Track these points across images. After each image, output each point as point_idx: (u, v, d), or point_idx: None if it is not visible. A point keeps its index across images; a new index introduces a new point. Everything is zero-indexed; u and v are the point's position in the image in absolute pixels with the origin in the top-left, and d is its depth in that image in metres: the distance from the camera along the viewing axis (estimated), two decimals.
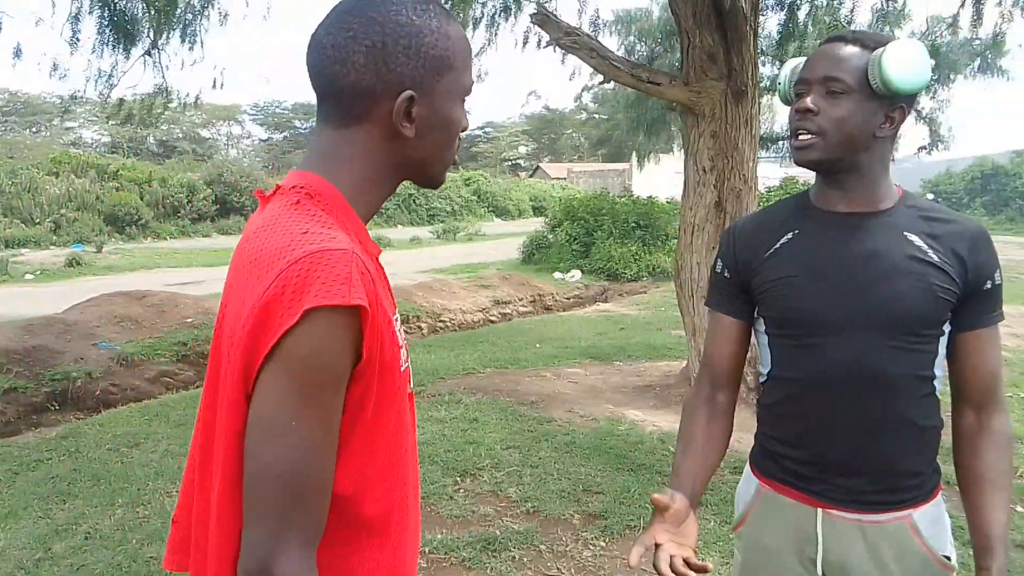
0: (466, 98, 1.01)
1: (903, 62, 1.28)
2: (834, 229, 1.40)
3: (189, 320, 8.53)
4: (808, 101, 1.33)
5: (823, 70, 1.33)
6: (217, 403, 0.91)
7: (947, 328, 1.38)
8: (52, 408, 6.62)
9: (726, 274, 1.54)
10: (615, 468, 4.33)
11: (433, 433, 4.86)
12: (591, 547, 3.45)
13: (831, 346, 1.38)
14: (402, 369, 0.96)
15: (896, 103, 1.33)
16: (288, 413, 0.82)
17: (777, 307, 1.45)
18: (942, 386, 1.42)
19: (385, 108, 0.94)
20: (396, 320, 0.97)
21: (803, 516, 1.43)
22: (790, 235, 1.45)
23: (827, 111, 1.32)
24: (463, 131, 1.03)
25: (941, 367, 1.41)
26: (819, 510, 1.42)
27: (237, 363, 0.85)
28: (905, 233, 1.35)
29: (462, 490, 4.02)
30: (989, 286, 1.36)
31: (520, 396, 5.82)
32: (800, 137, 1.36)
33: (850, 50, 1.32)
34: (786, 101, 1.45)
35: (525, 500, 3.89)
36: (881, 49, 1.29)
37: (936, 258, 1.33)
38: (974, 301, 1.36)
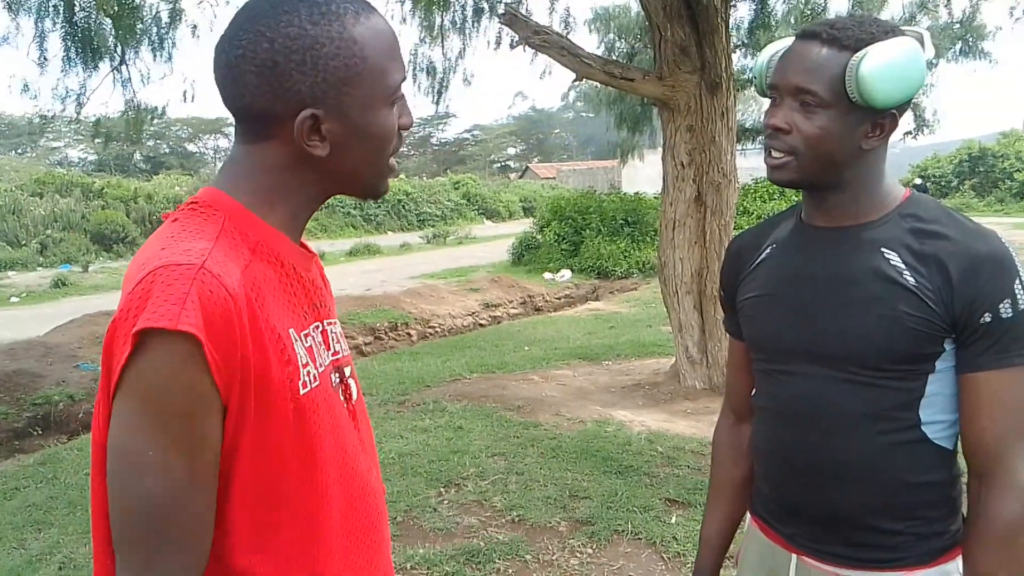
0: (395, 100, 0.92)
1: (886, 71, 1.07)
2: (805, 245, 1.25)
3: None
4: (779, 118, 1.16)
5: (795, 79, 1.13)
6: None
7: (942, 364, 1.15)
8: (34, 433, 6.54)
9: (722, 291, 1.43)
10: (602, 471, 4.26)
11: (417, 443, 4.78)
12: (578, 555, 3.38)
13: (787, 374, 1.25)
14: (304, 391, 0.86)
15: (885, 111, 1.13)
16: (142, 443, 0.77)
17: (747, 328, 1.34)
18: (950, 432, 1.19)
19: (288, 128, 0.86)
20: (307, 334, 0.90)
21: (779, 560, 1.30)
22: (769, 249, 1.31)
23: (800, 127, 1.14)
24: (405, 129, 0.95)
25: (943, 411, 1.16)
26: (794, 556, 1.28)
27: (101, 388, 0.81)
28: (883, 250, 1.15)
29: (446, 501, 3.94)
30: (989, 319, 1.09)
31: (507, 401, 5.75)
32: (772, 155, 1.19)
33: (825, 54, 1.11)
34: (762, 93, 1.26)
35: (510, 509, 3.80)
36: (861, 53, 1.08)
37: (912, 281, 1.12)
38: (969, 337, 1.11)
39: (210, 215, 0.87)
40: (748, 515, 1.43)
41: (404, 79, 0.93)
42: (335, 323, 1.01)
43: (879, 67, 1.07)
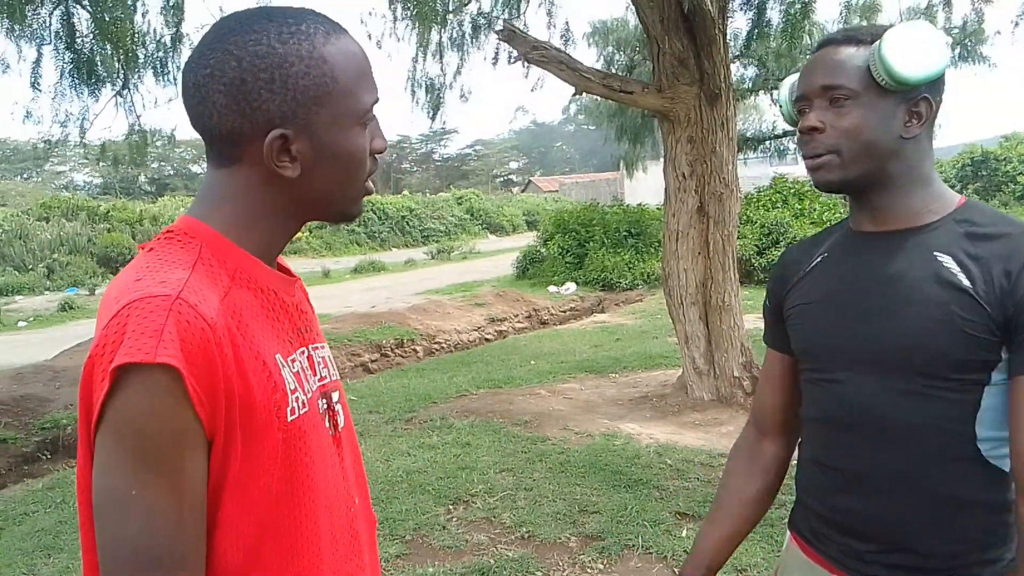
0: (367, 121, 0.91)
1: (907, 46, 1.09)
2: (854, 251, 1.23)
3: None
4: (812, 118, 1.16)
5: (820, 79, 1.15)
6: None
7: (998, 376, 1.10)
8: (43, 457, 6.53)
9: (768, 301, 1.40)
10: (611, 485, 4.24)
11: (425, 460, 4.77)
12: (588, 571, 3.36)
13: (837, 384, 1.21)
14: (292, 418, 0.85)
15: (916, 95, 1.14)
16: (125, 482, 0.75)
17: (795, 336, 1.31)
18: (1006, 451, 1.12)
19: (258, 148, 0.85)
20: (293, 359, 0.89)
21: None
22: (820, 258, 1.29)
23: (835, 124, 1.14)
24: (378, 153, 0.94)
25: (999, 426, 1.10)
26: None
27: (81, 427, 0.79)
28: (936, 254, 1.12)
29: (454, 518, 3.93)
30: None
31: (514, 416, 5.73)
32: (814, 160, 1.18)
33: (845, 51, 1.15)
34: (793, 123, 1.26)
35: (520, 525, 3.79)
36: (880, 39, 1.11)
37: (967, 283, 1.08)
38: None
39: (186, 243, 0.86)
40: (788, 532, 1.38)
41: (376, 101, 0.92)
42: (322, 347, 1.00)
43: (901, 43, 1.09)
